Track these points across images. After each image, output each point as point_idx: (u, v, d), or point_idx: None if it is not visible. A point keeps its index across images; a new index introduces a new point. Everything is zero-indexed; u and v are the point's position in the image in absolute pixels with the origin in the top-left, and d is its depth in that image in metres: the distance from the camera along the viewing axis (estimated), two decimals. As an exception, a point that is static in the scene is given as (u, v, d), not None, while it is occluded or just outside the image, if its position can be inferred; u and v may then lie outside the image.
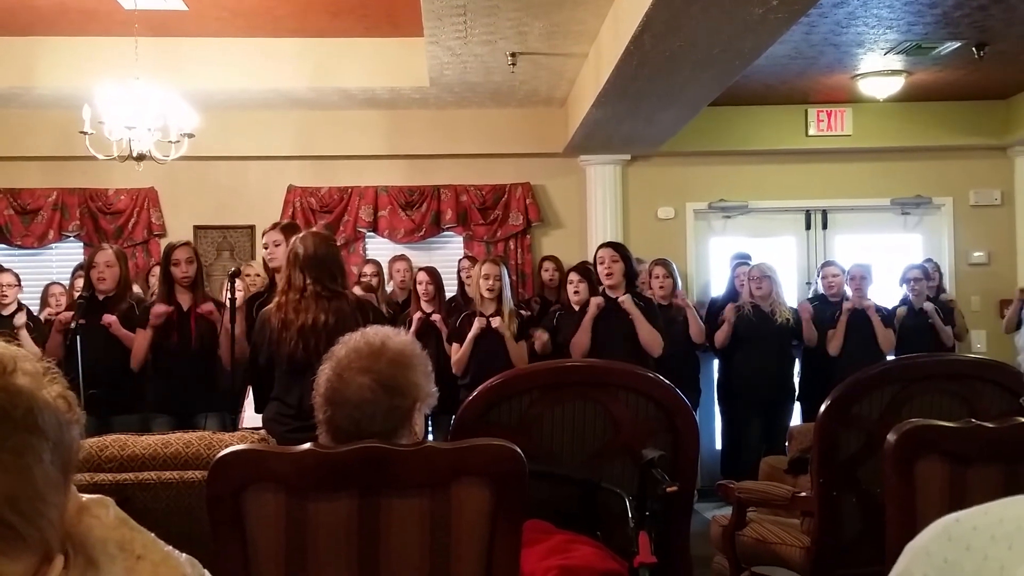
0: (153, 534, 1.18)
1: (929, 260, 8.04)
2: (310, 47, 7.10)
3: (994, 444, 2.40)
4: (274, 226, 5.24)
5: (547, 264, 7.86)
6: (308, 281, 4.12)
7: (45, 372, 1.07)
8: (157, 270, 7.34)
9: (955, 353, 6.95)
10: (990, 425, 2.44)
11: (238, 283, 5.15)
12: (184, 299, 5.45)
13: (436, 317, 6.48)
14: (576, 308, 6.22)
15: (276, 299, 4.23)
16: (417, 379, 2.23)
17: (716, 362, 7.61)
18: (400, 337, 2.27)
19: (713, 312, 7.81)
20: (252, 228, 8.21)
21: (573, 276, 6.39)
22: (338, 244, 4.69)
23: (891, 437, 2.43)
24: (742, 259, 7.84)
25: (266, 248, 5.18)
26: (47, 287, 7.23)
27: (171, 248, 5.57)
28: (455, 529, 2.07)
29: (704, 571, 4.45)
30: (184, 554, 1.20)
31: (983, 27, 6.18)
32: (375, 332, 2.25)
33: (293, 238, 4.34)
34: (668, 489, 2.72)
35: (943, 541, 1.07)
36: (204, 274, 5.81)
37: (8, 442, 0.99)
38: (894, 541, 2.30)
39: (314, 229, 4.75)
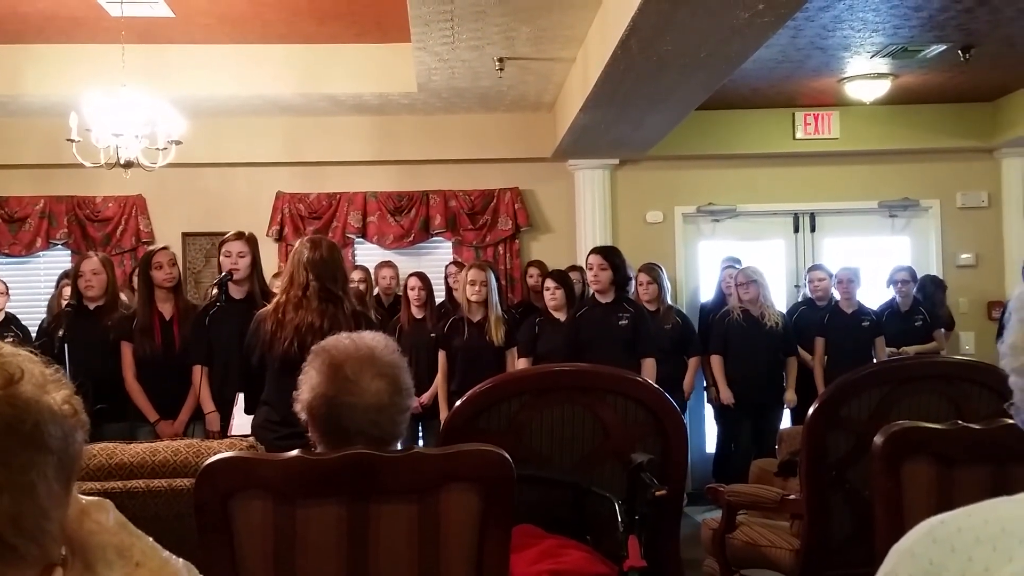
0: (152, 539, 1.18)
1: (936, 278, 8.12)
2: (298, 53, 7.09)
3: (981, 445, 2.41)
4: (238, 236, 5.08)
5: (532, 270, 7.84)
6: (312, 280, 4.09)
7: (51, 378, 1.06)
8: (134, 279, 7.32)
9: (943, 355, 6.98)
10: (977, 427, 2.45)
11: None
12: (166, 308, 5.43)
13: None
14: (555, 315, 6.22)
15: (275, 300, 4.21)
16: (409, 380, 2.24)
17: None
18: (381, 337, 2.27)
19: (704, 318, 7.82)
20: (241, 235, 8.20)
21: (549, 283, 6.35)
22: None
23: (878, 439, 2.44)
24: (731, 263, 7.85)
25: (228, 257, 5.03)
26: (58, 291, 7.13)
27: (151, 253, 5.54)
28: (444, 535, 2.07)
29: (694, 574, 4.45)
30: (182, 560, 1.20)
31: (968, 30, 6.21)
32: (361, 336, 2.25)
33: (298, 241, 4.31)
34: (657, 493, 2.73)
35: (928, 543, 1.07)
36: (184, 281, 5.76)
37: (14, 460, 0.98)
38: (882, 542, 2.30)
39: (315, 236, 4.66)
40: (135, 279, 7.13)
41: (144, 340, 5.34)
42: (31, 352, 1.08)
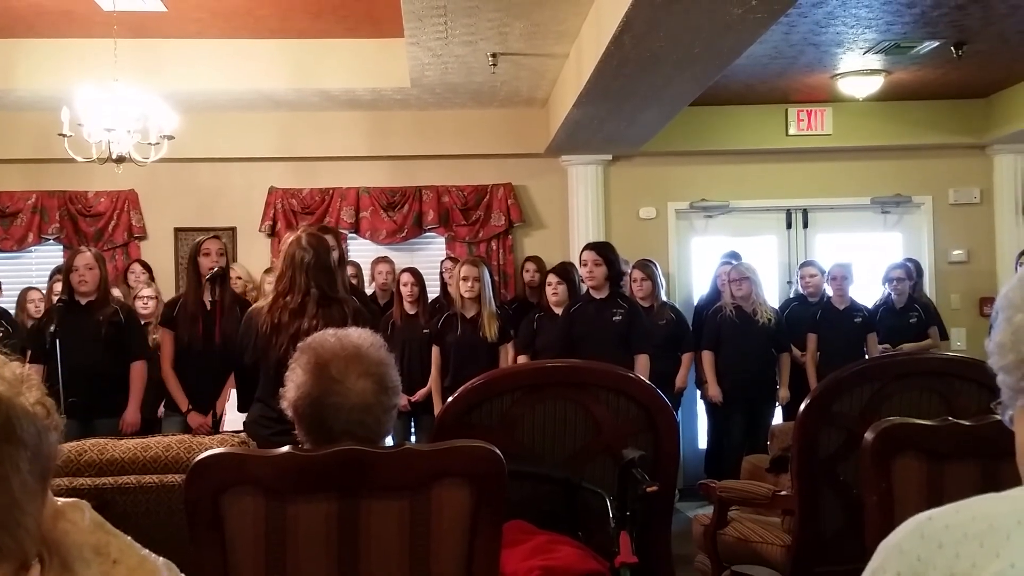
0: (130, 538, 1.18)
1: (911, 260, 8.08)
2: (291, 48, 7.08)
3: (971, 441, 2.41)
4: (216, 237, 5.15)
5: (528, 265, 7.86)
6: (312, 288, 4.01)
7: (24, 378, 1.07)
8: (137, 267, 7.37)
9: (935, 351, 7.00)
10: (966, 423, 2.45)
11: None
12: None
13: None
14: (556, 310, 6.22)
15: (270, 300, 4.13)
16: (396, 377, 2.23)
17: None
18: (367, 335, 2.26)
19: (700, 314, 7.82)
20: (234, 230, 8.18)
21: (552, 278, 6.38)
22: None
23: (869, 435, 2.45)
24: (730, 259, 7.84)
25: (208, 256, 5.11)
26: (24, 292, 7.16)
27: (200, 241, 5.47)
28: (435, 531, 2.07)
29: (686, 570, 4.46)
30: (161, 558, 1.20)
31: (961, 26, 6.22)
32: (347, 334, 2.23)
33: (292, 237, 4.20)
34: (648, 489, 2.73)
35: (916, 539, 1.08)
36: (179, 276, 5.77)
37: None
38: (872, 538, 2.30)
39: (310, 230, 4.51)
40: (128, 275, 7.18)
41: (190, 327, 5.30)
42: (5, 353, 1.08)
